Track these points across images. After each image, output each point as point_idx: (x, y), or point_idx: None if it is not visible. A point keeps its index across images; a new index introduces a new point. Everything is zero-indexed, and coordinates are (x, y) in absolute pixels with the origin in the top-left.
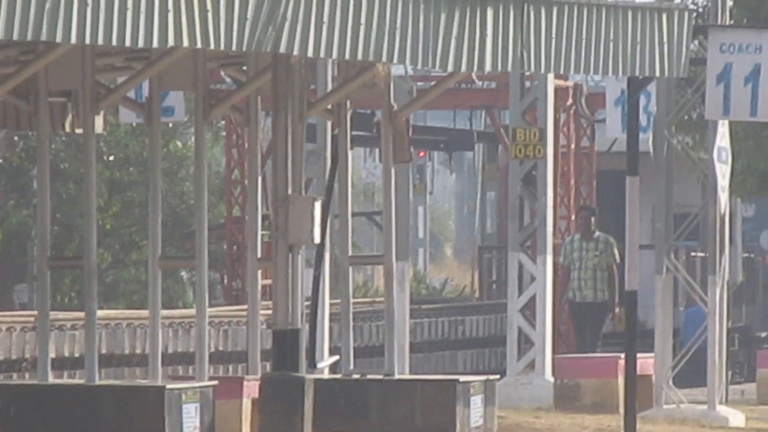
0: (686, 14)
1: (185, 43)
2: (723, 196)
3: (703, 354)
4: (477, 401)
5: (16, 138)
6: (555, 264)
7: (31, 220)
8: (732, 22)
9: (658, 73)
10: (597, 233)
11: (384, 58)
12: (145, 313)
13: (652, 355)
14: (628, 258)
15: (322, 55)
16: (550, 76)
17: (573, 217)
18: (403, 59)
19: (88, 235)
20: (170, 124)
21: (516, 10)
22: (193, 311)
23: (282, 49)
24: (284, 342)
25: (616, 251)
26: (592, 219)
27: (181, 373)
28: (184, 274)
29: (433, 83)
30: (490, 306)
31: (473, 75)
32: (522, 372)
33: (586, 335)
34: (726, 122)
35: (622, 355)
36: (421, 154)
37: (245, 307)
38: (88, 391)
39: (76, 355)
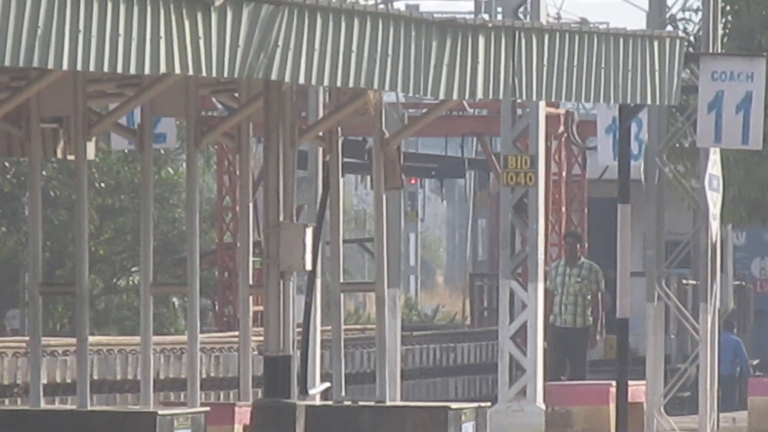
0: (678, 42)
1: (177, 70)
2: (714, 224)
3: (694, 382)
4: (468, 428)
5: (7, 164)
6: (546, 291)
7: (22, 246)
8: (724, 51)
9: (649, 101)
10: (582, 260)
11: (375, 86)
12: (136, 339)
13: (644, 382)
14: (620, 285)
15: (313, 82)
16: (542, 103)
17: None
18: (394, 86)
19: (80, 261)
20: (162, 151)
21: (507, 38)
22: (184, 337)
23: (273, 76)
24: (276, 368)
25: (601, 278)
26: (578, 245)
27: (173, 399)
28: (175, 300)
29: (424, 110)
30: (481, 333)
31: (465, 102)
32: (513, 399)
33: (565, 361)
34: (717, 150)
35: (614, 383)
36: (413, 181)
37: (237, 333)
38: (80, 417)
39: (68, 380)
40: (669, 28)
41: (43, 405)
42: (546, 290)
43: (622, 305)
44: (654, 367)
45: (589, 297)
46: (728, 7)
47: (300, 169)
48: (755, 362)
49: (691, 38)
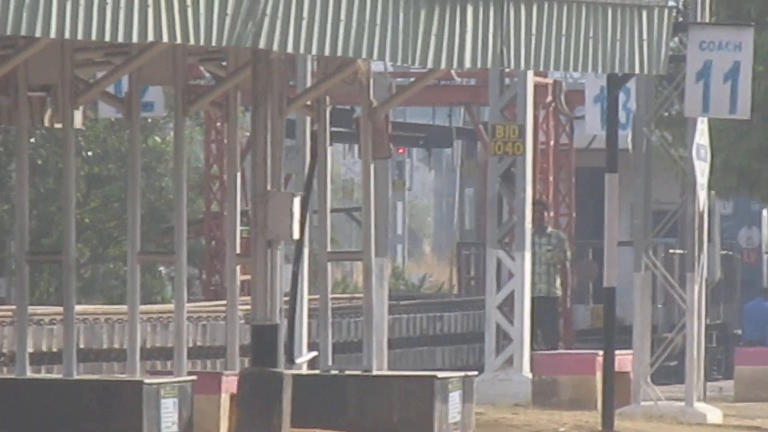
0: (666, 11)
1: (165, 38)
2: (702, 194)
3: (681, 351)
4: (455, 397)
5: None
6: None
7: (9, 214)
8: (713, 19)
9: (637, 71)
10: (549, 228)
11: (364, 55)
12: (123, 308)
13: (631, 352)
14: (607, 255)
15: (301, 51)
16: (530, 73)
17: (551, 214)
18: (382, 56)
19: (67, 230)
20: (149, 119)
21: (496, 7)
22: (171, 306)
23: (262, 45)
24: (263, 337)
25: (567, 247)
26: (545, 213)
27: (160, 368)
28: (162, 269)
29: (412, 80)
30: (468, 302)
31: (452, 72)
32: (500, 368)
33: (545, 329)
34: (705, 119)
35: (600, 352)
36: (401, 150)
37: (224, 302)
38: (67, 386)
39: (55, 349)
40: None
41: (30, 374)
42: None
43: (609, 274)
44: (641, 337)
45: (558, 266)
46: None
47: (288, 137)
48: (741, 332)
49: (680, 7)
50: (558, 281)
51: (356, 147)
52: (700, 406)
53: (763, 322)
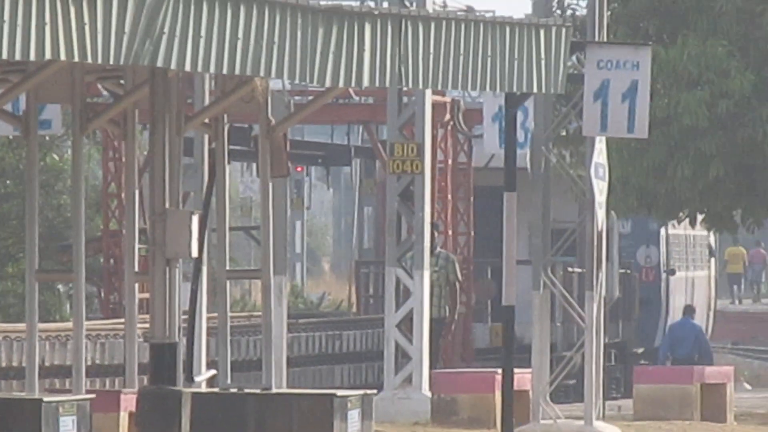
0: (563, 30)
1: (63, 56)
2: (600, 213)
3: (580, 370)
4: (354, 415)
5: None
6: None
7: None
8: (611, 37)
9: (535, 89)
10: (438, 249)
11: (261, 73)
12: (21, 326)
13: (530, 370)
14: (506, 273)
15: (199, 69)
16: (428, 91)
17: (450, 233)
18: (280, 73)
19: None
20: (47, 137)
21: (394, 26)
22: (70, 324)
23: (159, 63)
24: (161, 355)
25: (456, 268)
26: (433, 233)
27: (58, 386)
28: (60, 287)
29: (310, 98)
30: (367, 320)
31: (351, 90)
32: (399, 386)
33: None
34: (603, 138)
35: (500, 370)
36: (299, 168)
37: (122, 320)
38: None
39: None
40: (558, 12)
41: None
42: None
43: (507, 293)
44: (540, 355)
45: (447, 287)
46: None
47: (186, 155)
48: (640, 350)
49: (578, 24)
50: (445, 302)
51: (254, 165)
52: (599, 424)
53: (689, 340)
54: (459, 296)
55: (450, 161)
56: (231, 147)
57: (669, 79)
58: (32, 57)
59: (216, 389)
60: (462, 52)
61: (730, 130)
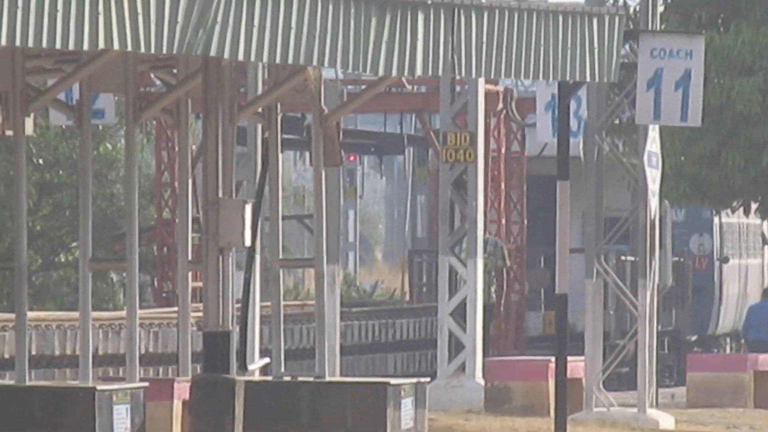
0: (617, 19)
1: (116, 45)
2: (653, 201)
3: (633, 358)
4: (407, 404)
5: None
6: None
7: None
8: (664, 26)
9: (588, 78)
10: (487, 235)
11: (314, 62)
12: (75, 314)
13: (582, 358)
14: (559, 262)
15: (252, 58)
16: (481, 80)
17: (503, 222)
18: (333, 63)
19: (18, 237)
20: (100, 127)
21: (447, 15)
22: (123, 313)
23: (212, 53)
24: (215, 344)
25: (505, 254)
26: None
27: (112, 374)
28: (114, 276)
29: (363, 87)
30: (420, 309)
31: (404, 79)
32: (452, 375)
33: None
34: (656, 127)
35: (553, 358)
36: (352, 157)
37: (176, 309)
38: (19, 393)
39: (6, 356)
40: (611, 1)
41: None
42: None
43: (561, 281)
44: (593, 343)
45: (493, 273)
46: None
47: (239, 145)
48: (693, 338)
49: (631, 13)
50: (492, 288)
51: (307, 154)
52: (652, 412)
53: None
54: (507, 283)
55: (503, 150)
56: (284, 136)
57: (722, 67)
58: (85, 47)
59: (269, 377)
60: (515, 41)
61: None
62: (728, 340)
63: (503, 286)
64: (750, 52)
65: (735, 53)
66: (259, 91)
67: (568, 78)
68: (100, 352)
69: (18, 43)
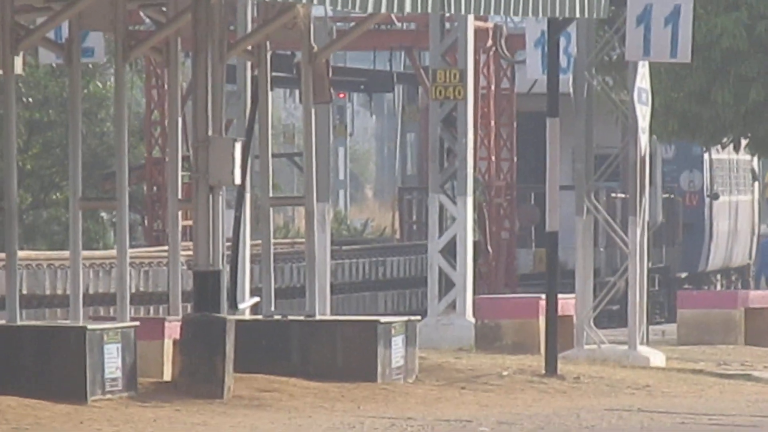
0: None
1: None
2: (643, 138)
3: (623, 295)
4: (398, 342)
5: None
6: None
7: None
8: None
9: (578, 14)
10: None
11: None
12: (66, 253)
13: (573, 295)
14: (549, 199)
15: None
16: (470, 17)
17: (493, 159)
18: (322, 0)
19: (8, 177)
20: (90, 65)
21: None
22: (113, 252)
23: None
24: (205, 283)
25: (484, 190)
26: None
27: (103, 314)
28: (104, 215)
29: (352, 24)
30: (410, 247)
31: (393, 16)
32: (443, 313)
33: None
34: (646, 63)
35: (543, 296)
36: (341, 95)
37: (166, 248)
38: (9, 332)
39: None
40: None
41: None
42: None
43: (551, 219)
44: (583, 281)
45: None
46: None
47: (229, 83)
48: (683, 275)
49: None
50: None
51: (297, 92)
52: (643, 349)
53: None
54: (486, 219)
55: (493, 87)
56: (273, 74)
57: (709, 4)
58: None
59: (260, 316)
60: None
61: None
62: (719, 276)
63: (483, 223)
64: None
65: None
66: (249, 29)
67: (557, 14)
68: (91, 292)
69: None
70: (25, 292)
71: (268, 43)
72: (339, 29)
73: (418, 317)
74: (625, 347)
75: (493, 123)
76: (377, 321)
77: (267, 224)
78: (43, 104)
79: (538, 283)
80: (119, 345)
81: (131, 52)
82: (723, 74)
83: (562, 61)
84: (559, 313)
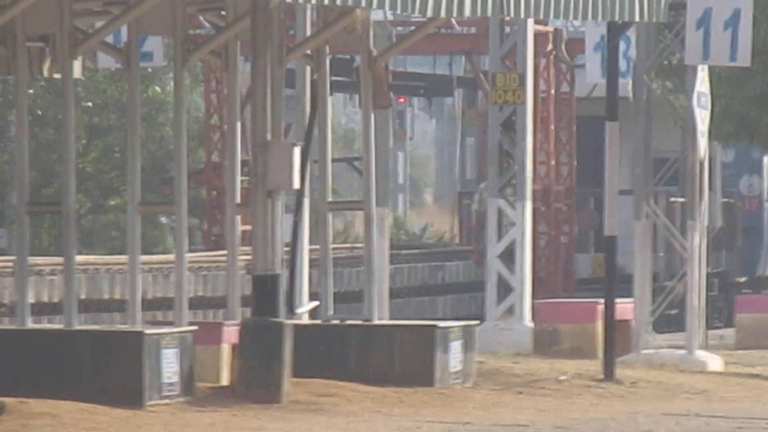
0: None
1: None
2: (702, 141)
3: (682, 300)
4: (456, 346)
5: None
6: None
7: (9, 165)
8: None
9: (638, 18)
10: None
11: (363, 3)
12: (124, 258)
13: (632, 300)
14: (608, 203)
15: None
16: (530, 21)
17: (553, 163)
18: (382, 4)
19: (67, 180)
20: (149, 69)
21: None
22: (172, 257)
23: None
24: (264, 287)
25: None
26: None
27: (161, 318)
28: (163, 219)
29: (412, 28)
30: (469, 251)
31: (453, 20)
32: (501, 317)
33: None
34: (705, 67)
35: (601, 301)
36: (401, 99)
37: (224, 252)
38: (67, 336)
39: (55, 300)
40: None
41: (30, 325)
42: (477, 212)
43: (610, 223)
44: (642, 285)
45: None
46: None
47: (288, 87)
48: (742, 280)
49: None
50: None
51: (357, 96)
52: (701, 354)
53: None
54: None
55: (552, 91)
56: (333, 78)
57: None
58: None
59: (318, 321)
60: None
61: None
62: None
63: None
64: None
65: None
66: (308, 33)
67: (617, 18)
68: (149, 296)
69: None
70: (83, 296)
71: (327, 47)
72: (399, 33)
73: (477, 322)
74: (683, 352)
75: (552, 127)
76: (435, 326)
77: (325, 229)
78: (102, 108)
79: (596, 288)
80: (177, 350)
81: (190, 56)
82: None
83: (622, 65)
84: (618, 317)
